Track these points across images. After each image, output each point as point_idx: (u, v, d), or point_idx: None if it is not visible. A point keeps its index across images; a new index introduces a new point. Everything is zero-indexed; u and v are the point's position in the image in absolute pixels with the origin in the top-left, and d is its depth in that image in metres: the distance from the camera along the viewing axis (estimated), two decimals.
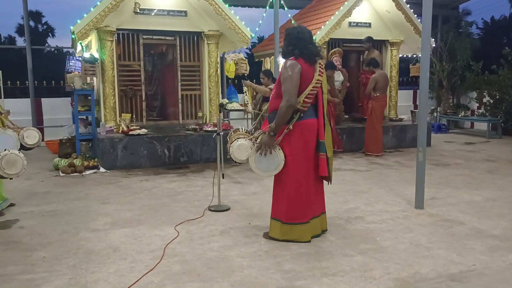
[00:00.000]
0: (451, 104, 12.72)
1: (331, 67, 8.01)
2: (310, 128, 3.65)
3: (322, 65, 3.70)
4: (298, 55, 3.58)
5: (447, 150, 8.81)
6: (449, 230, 4.07)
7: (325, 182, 3.88)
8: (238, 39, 7.91)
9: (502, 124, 10.81)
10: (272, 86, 6.34)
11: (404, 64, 11.72)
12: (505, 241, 3.77)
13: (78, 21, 6.93)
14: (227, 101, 8.57)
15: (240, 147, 3.78)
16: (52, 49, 32.54)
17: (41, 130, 9.32)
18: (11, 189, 5.36)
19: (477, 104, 12.39)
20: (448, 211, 4.64)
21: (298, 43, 3.60)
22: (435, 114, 12.76)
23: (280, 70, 3.66)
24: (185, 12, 7.84)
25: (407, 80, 14.05)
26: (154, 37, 7.93)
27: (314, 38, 8.20)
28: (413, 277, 3.10)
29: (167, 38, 8.03)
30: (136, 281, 3.02)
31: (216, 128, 6.32)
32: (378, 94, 8.04)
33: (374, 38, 9.24)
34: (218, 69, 8.22)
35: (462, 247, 3.65)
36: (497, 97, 11.05)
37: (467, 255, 3.47)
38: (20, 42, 34.16)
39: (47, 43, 37.90)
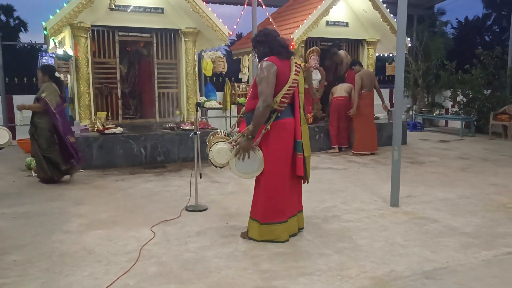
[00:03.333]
0: (426, 103, 12.95)
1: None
2: (287, 128, 3.64)
3: (299, 65, 3.70)
4: (269, 51, 3.58)
5: (422, 148, 8.97)
6: (423, 227, 4.14)
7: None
8: (216, 37, 7.87)
9: (475, 122, 11.07)
10: (50, 84, 5.87)
11: (381, 63, 11.87)
12: (477, 238, 3.86)
13: (51, 16, 6.76)
14: (205, 99, 8.53)
15: (220, 151, 3.73)
16: (25, 45, 31.65)
17: (13, 129, 9.07)
18: None
19: (451, 103, 12.65)
20: (422, 209, 4.72)
21: (266, 39, 3.62)
22: (410, 112, 12.98)
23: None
24: (162, 9, 7.75)
25: (384, 79, 14.24)
26: (130, 34, 7.82)
27: (292, 36, 8.25)
28: (389, 275, 3.14)
29: (143, 35, 7.93)
30: (111, 284, 2.97)
31: (193, 127, 6.26)
32: (362, 92, 8.05)
33: (351, 38, 9.39)
34: (196, 67, 8.17)
35: (436, 244, 3.72)
36: (470, 96, 11.30)
37: (441, 252, 3.54)
38: None
39: (19, 38, 36.86)
